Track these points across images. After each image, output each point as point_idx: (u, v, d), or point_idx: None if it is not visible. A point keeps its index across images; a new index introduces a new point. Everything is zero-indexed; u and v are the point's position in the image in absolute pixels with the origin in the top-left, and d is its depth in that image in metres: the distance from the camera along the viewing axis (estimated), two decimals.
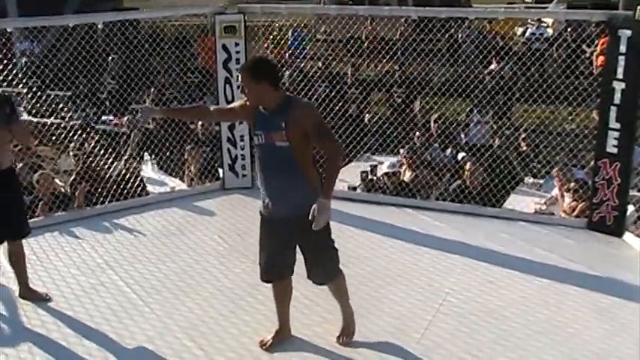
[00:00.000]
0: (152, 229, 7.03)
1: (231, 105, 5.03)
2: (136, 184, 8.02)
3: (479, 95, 10.73)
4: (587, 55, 15.42)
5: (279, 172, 4.54)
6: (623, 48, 6.38)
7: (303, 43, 15.88)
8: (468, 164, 8.13)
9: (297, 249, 4.74)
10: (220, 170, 8.24)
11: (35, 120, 11.02)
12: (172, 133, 8.96)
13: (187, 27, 10.24)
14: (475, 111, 10.33)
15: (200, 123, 9.52)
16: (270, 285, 4.94)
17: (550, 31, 18.74)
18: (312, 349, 4.94)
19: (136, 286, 5.86)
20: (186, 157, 8.81)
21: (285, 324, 5.00)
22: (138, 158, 8.99)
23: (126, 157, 8.85)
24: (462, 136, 10.44)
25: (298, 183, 4.50)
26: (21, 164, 8.19)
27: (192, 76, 10.94)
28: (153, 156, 9.44)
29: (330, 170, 4.41)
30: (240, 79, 4.55)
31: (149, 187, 8.40)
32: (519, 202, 8.20)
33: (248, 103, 4.58)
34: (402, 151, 8.77)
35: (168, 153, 9.20)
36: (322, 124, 4.55)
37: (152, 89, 11.18)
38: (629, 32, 6.33)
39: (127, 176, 8.04)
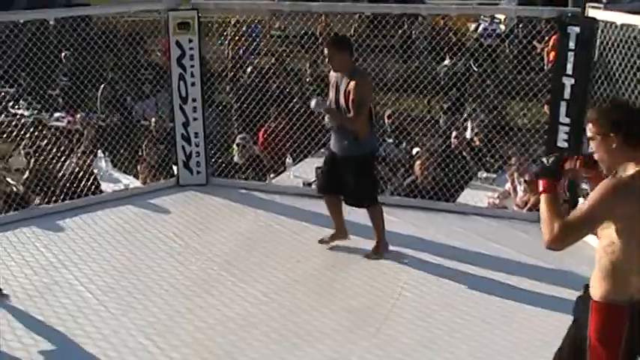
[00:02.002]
0: (107, 227, 6.96)
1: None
2: (89, 182, 7.93)
3: (432, 91, 10.79)
4: (538, 50, 15.63)
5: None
6: (572, 44, 6.48)
7: (257, 39, 15.79)
8: (418, 160, 8.18)
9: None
10: (175, 167, 8.19)
11: None
12: (126, 130, 8.89)
13: (140, 23, 10.15)
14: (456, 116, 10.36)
15: (154, 120, 9.45)
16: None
17: (502, 27, 18.91)
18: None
19: (90, 284, 5.81)
20: (141, 153, 8.73)
21: (340, 227, 6.39)
22: (91, 156, 8.88)
23: (79, 155, 8.74)
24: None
25: (347, 134, 5.89)
26: None
27: (145, 72, 10.83)
28: (107, 153, 9.34)
29: (348, 119, 5.84)
30: (326, 50, 5.92)
31: (103, 185, 8.31)
32: (473, 196, 8.29)
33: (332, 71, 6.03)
34: None
35: (122, 150, 9.11)
36: (361, 98, 5.77)
37: (103, 85, 11.09)
38: (577, 29, 6.44)
39: (81, 174, 7.94)
